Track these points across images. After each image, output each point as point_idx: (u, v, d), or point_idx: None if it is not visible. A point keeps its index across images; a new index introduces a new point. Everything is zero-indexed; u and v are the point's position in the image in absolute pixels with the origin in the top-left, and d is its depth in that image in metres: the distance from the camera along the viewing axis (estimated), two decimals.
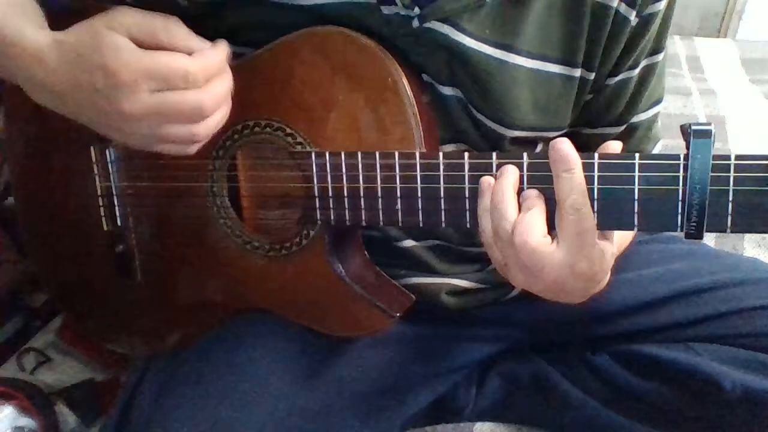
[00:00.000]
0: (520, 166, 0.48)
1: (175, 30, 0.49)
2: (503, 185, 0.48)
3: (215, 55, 0.50)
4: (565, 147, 0.46)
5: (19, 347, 0.89)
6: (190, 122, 0.50)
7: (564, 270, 0.47)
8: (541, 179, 0.48)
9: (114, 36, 0.47)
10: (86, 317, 0.75)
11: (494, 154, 0.49)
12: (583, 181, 0.46)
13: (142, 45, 0.48)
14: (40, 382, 0.83)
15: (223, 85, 0.51)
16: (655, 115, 0.66)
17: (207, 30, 0.59)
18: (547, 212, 0.48)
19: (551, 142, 0.47)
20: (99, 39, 0.47)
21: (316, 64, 0.54)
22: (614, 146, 0.49)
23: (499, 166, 0.49)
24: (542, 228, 0.47)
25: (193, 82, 0.48)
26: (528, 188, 0.48)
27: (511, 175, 0.48)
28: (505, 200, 0.47)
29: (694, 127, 0.44)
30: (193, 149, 0.52)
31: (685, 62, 1.48)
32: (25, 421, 0.75)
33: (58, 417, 0.79)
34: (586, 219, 0.46)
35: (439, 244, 0.64)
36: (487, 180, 0.49)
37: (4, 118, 0.70)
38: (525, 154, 0.48)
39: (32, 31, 0.50)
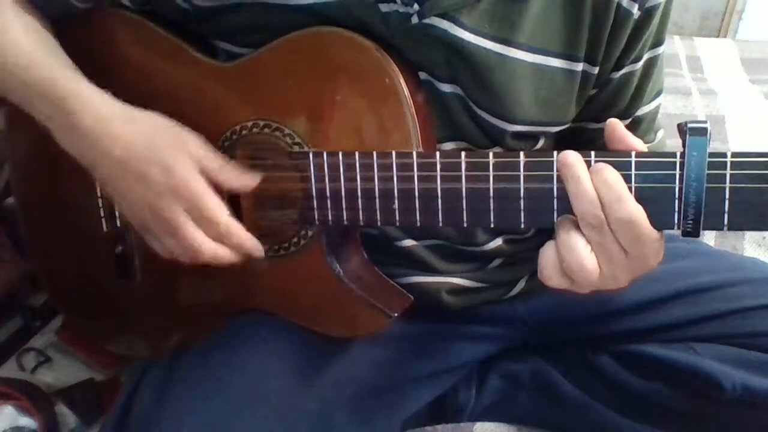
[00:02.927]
0: (516, 166, 0.48)
1: (227, 176, 0.55)
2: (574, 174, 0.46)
3: (247, 236, 0.55)
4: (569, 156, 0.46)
5: (19, 347, 0.89)
6: (183, 252, 0.54)
7: (626, 274, 0.48)
8: (540, 179, 0.48)
9: (185, 152, 0.53)
10: (86, 318, 0.75)
11: (491, 154, 0.49)
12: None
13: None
14: (40, 382, 0.83)
15: (226, 256, 0.55)
16: (658, 107, 0.66)
17: (207, 31, 0.60)
18: (541, 209, 0.48)
19: (560, 157, 0.47)
20: (179, 144, 0.53)
21: (313, 64, 0.54)
22: (620, 126, 0.48)
23: (496, 165, 0.49)
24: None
25: (214, 231, 0.53)
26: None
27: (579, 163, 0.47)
28: (584, 183, 0.46)
29: (690, 125, 0.44)
30: (168, 257, 0.56)
31: (685, 62, 1.47)
32: (25, 421, 0.76)
33: (58, 417, 0.79)
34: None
35: (439, 243, 0.64)
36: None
37: (6, 119, 0.70)
38: (522, 153, 0.48)
39: (90, 90, 0.55)
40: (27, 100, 0.56)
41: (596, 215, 0.45)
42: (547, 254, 0.48)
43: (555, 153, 0.48)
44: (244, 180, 0.55)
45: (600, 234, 0.46)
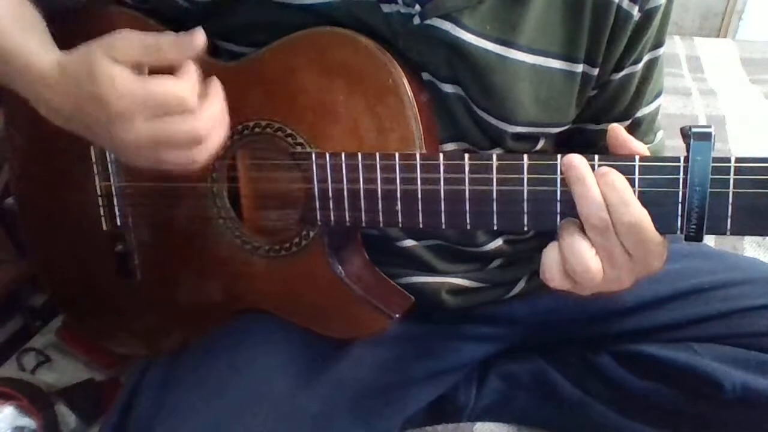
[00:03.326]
0: (519, 168, 0.48)
1: (168, 48, 0.48)
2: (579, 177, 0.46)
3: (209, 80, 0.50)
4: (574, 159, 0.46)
5: (19, 347, 0.89)
6: (187, 148, 0.50)
7: (630, 276, 0.48)
8: (543, 181, 0.48)
9: (109, 66, 0.47)
10: (86, 317, 0.75)
11: (494, 155, 0.49)
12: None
13: (140, 66, 0.48)
14: (40, 382, 0.83)
15: (216, 106, 0.50)
16: (658, 108, 0.66)
17: (208, 30, 0.60)
18: (544, 212, 0.48)
19: (565, 160, 0.47)
20: (95, 68, 0.47)
21: (316, 64, 0.54)
22: (621, 131, 0.48)
23: (499, 167, 0.49)
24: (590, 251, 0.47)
25: (187, 107, 0.48)
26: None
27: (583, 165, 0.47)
28: (589, 186, 0.46)
29: (694, 130, 0.44)
30: (196, 167, 0.52)
31: (685, 62, 1.48)
32: (25, 421, 0.75)
33: (58, 417, 0.79)
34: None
35: (439, 243, 0.64)
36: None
37: (4, 118, 0.70)
38: (525, 156, 0.48)
39: (37, 49, 0.51)
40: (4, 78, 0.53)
41: (602, 218, 0.45)
42: (550, 256, 0.48)
43: (559, 156, 0.48)
44: (184, 42, 0.48)
45: (604, 237, 0.46)
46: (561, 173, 0.48)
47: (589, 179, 0.46)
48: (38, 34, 0.53)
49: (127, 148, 0.50)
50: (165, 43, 0.48)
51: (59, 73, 0.49)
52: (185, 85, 0.48)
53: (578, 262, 0.46)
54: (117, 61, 0.47)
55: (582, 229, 0.47)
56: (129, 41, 0.48)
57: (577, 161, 0.46)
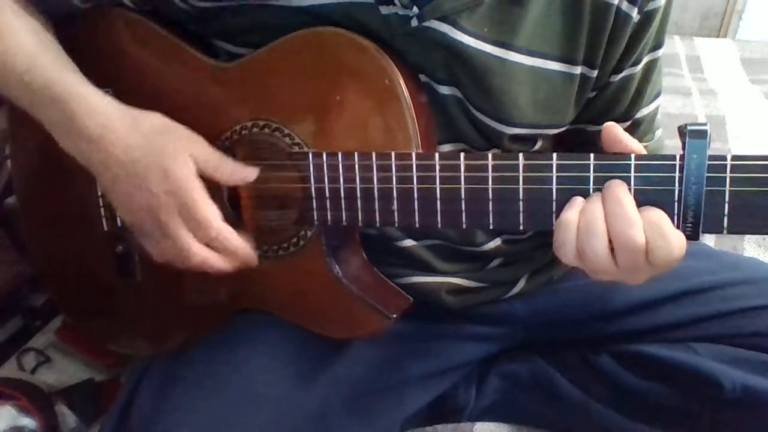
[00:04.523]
0: (515, 168, 0.48)
1: (225, 171, 0.55)
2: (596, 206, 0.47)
3: (240, 244, 0.55)
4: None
5: (19, 347, 0.89)
6: (176, 255, 0.55)
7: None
8: (537, 180, 0.48)
9: (188, 156, 0.53)
10: (87, 317, 0.75)
11: (490, 155, 0.49)
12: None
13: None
14: (40, 382, 0.83)
15: (217, 263, 0.55)
16: (657, 108, 0.66)
17: (207, 31, 0.60)
18: (540, 212, 0.48)
19: (606, 184, 0.47)
20: (180, 147, 0.53)
21: (313, 64, 0.54)
22: (617, 129, 0.49)
23: (494, 167, 0.49)
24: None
25: (206, 235, 0.54)
26: (593, 190, 0.47)
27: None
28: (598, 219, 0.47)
29: (690, 128, 0.44)
30: (166, 264, 0.56)
31: (685, 62, 1.47)
32: (25, 421, 0.76)
33: (58, 417, 0.79)
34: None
35: (438, 243, 0.64)
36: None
37: (8, 118, 0.70)
38: (521, 155, 0.48)
39: (92, 90, 0.55)
40: (29, 103, 0.56)
41: (631, 238, 0.46)
42: (569, 233, 0.47)
43: (554, 155, 0.48)
44: (243, 173, 0.56)
45: (627, 252, 0.46)
46: (556, 172, 0.48)
47: (627, 200, 0.46)
48: (76, 69, 0.57)
49: (137, 208, 0.54)
50: (222, 169, 0.55)
51: (130, 126, 0.54)
52: (222, 227, 0.54)
53: (591, 249, 0.46)
54: (194, 157, 0.53)
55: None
56: (204, 147, 0.55)
57: (615, 183, 0.47)
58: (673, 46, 1.53)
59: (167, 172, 0.52)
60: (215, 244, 0.54)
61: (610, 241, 0.46)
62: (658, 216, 0.46)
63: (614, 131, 0.48)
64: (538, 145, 0.62)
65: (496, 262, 0.68)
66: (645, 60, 0.60)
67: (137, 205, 0.54)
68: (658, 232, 0.46)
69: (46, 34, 0.59)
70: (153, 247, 0.56)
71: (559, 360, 0.74)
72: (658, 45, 0.60)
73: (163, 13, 0.60)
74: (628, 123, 0.63)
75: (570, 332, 0.72)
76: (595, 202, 0.47)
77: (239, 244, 0.55)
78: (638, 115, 0.64)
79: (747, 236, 0.95)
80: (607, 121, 0.62)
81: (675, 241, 0.46)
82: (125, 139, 0.53)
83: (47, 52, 0.57)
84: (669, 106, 1.22)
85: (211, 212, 0.53)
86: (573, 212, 0.47)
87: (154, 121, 0.55)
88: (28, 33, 0.57)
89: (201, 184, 0.53)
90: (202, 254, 0.54)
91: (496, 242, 0.66)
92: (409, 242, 0.63)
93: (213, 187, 0.59)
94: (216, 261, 0.55)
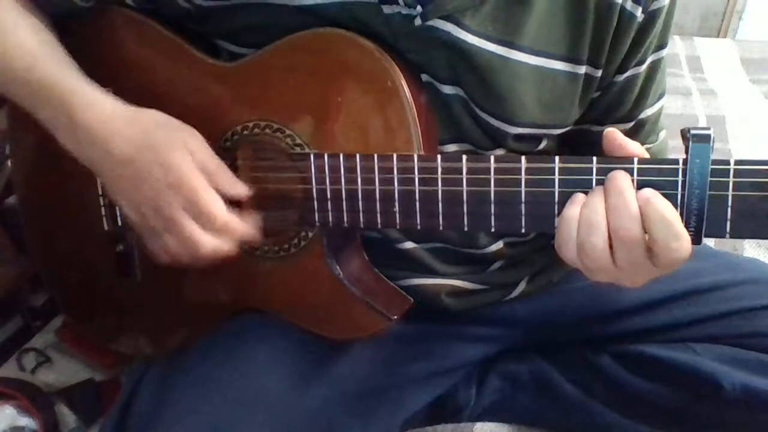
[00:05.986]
0: (517, 171, 0.48)
1: (222, 179, 0.54)
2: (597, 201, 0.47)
3: (243, 226, 0.55)
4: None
5: (19, 347, 0.89)
6: (182, 249, 0.54)
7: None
8: (539, 183, 0.48)
9: (186, 150, 0.53)
10: (87, 316, 0.75)
11: (492, 158, 0.49)
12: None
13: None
14: (40, 382, 0.83)
15: (224, 248, 0.54)
16: (661, 109, 0.66)
17: (209, 31, 0.60)
18: (542, 214, 0.48)
19: (609, 175, 0.47)
20: (178, 141, 0.53)
21: (315, 65, 0.54)
22: (618, 135, 0.48)
23: (497, 169, 0.49)
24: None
25: (212, 225, 0.53)
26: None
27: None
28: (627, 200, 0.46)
29: (693, 132, 0.44)
30: (172, 262, 0.56)
31: (685, 62, 1.47)
32: (25, 421, 0.76)
33: (58, 417, 0.79)
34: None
35: (439, 246, 0.64)
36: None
37: (8, 118, 0.70)
38: (523, 158, 0.48)
39: (91, 88, 0.55)
40: (30, 101, 0.56)
41: (630, 232, 0.45)
42: (571, 229, 0.47)
43: (557, 158, 0.48)
44: (238, 188, 0.55)
45: (628, 250, 0.46)
46: (558, 175, 0.48)
47: (628, 193, 0.46)
48: (77, 67, 0.57)
49: (141, 204, 0.54)
50: (220, 175, 0.54)
51: (130, 121, 0.54)
52: (227, 215, 0.53)
53: (590, 246, 0.46)
54: (192, 153, 0.53)
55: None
56: (202, 144, 0.54)
57: (620, 175, 0.46)
58: (674, 46, 1.53)
59: (169, 166, 0.52)
60: (221, 232, 0.54)
61: (609, 237, 0.46)
62: (672, 213, 0.45)
63: (616, 136, 0.48)
64: (543, 145, 0.62)
65: (497, 265, 0.68)
66: (649, 60, 0.60)
67: (141, 202, 0.54)
68: (672, 232, 0.45)
69: (47, 33, 0.59)
70: (158, 243, 0.56)
71: (559, 360, 0.74)
72: (662, 45, 0.60)
73: (165, 12, 0.60)
74: (632, 123, 0.63)
75: (570, 333, 0.72)
76: (597, 196, 0.47)
77: (244, 228, 0.55)
78: (642, 115, 0.63)
79: None
80: (612, 121, 0.62)
81: (686, 242, 0.45)
82: (125, 134, 0.53)
83: (48, 50, 0.57)
84: (669, 107, 1.22)
85: (215, 202, 0.53)
86: (575, 208, 0.47)
87: (154, 116, 0.55)
88: (30, 32, 0.57)
89: (202, 177, 0.53)
90: (212, 244, 0.54)
91: (498, 245, 0.66)
92: (409, 244, 0.63)
93: None
94: (224, 247, 0.54)
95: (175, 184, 0.52)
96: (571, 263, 0.49)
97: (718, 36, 2.12)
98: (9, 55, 0.55)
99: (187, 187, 0.52)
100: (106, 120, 0.54)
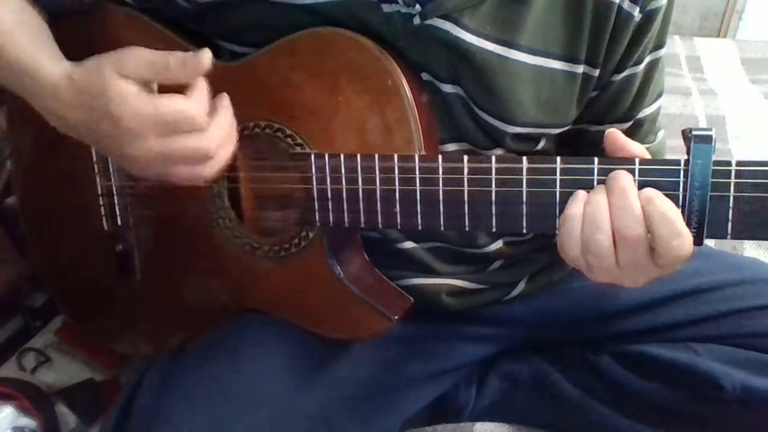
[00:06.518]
0: (519, 171, 0.48)
1: (175, 67, 0.49)
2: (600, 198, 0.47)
3: (224, 100, 0.52)
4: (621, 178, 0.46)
5: (19, 347, 0.89)
6: (196, 164, 0.51)
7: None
8: (540, 183, 0.48)
9: (121, 84, 0.48)
10: (87, 316, 0.75)
11: (493, 158, 0.49)
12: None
13: (149, 84, 0.50)
14: (40, 382, 0.83)
15: (224, 123, 0.52)
16: (659, 108, 0.66)
17: (209, 30, 0.60)
18: (543, 214, 0.47)
19: (611, 175, 0.47)
20: (107, 85, 0.48)
21: (315, 65, 0.54)
22: (619, 135, 0.48)
23: (498, 170, 0.49)
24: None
25: (197, 126, 0.49)
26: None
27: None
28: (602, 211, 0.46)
29: (695, 132, 0.44)
30: (204, 182, 0.54)
31: (685, 62, 1.47)
32: (25, 421, 0.75)
33: (58, 417, 0.79)
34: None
35: (439, 245, 0.64)
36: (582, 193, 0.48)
37: (7, 118, 0.70)
38: (524, 159, 0.48)
39: (47, 61, 0.52)
40: (5, 80, 0.54)
41: (634, 231, 0.45)
42: (574, 226, 0.47)
43: (558, 158, 0.48)
44: (195, 59, 0.48)
45: (632, 249, 0.46)
46: (560, 176, 0.48)
47: (631, 192, 0.46)
48: (46, 44, 0.54)
49: (137, 162, 0.51)
50: (173, 63, 0.48)
51: (69, 86, 0.50)
52: (195, 104, 0.49)
53: (596, 244, 0.46)
54: (127, 78, 0.48)
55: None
56: (138, 58, 0.49)
57: (622, 175, 0.46)
58: (673, 46, 1.53)
59: (112, 116, 0.48)
60: (209, 122, 0.50)
61: (613, 236, 0.46)
62: (673, 212, 0.45)
63: (617, 137, 0.48)
64: (541, 144, 0.62)
65: (496, 264, 0.68)
66: (647, 60, 0.60)
67: (135, 158, 0.51)
68: (673, 230, 0.45)
69: (30, 14, 0.56)
70: (180, 176, 0.52)
71: (559, 360, 0.74)
72: (659, 45, 0.60)
73: (163, 10, 0.60)
74: (630, 123, 0.63)
75: (570, 333, 0.72)
76: (599, 194, 0.47)
77: (227, 104, 0.52)
78: (640, 115, 0.64)
79: None
80: (609, 120, 0.62)
81: (688, 240, 0.45)
82: (75, 106, 0.50)
83: (25, 30, 0.54)
84: (669, 107, 1.22)
85: (184, 105, 0.49)
86: (578, 205, 0.47)
87: (84, 70, 0.50)
88: (11, 11, 0.55)
89: (147, 97, 0.48)
90: (216, 140, 0.50)
91: (498, 244, 0.66)
92: (409, 244, 0.63)
93: (211, 187, 0.60)
94: (227, 127, 0.51)
95: (129, 126, 0.48)
96: (573, 263, 0.49)
97: (718, 36, 2.12)
98: None
99: (143, 119, 0.48)
100: (57, 97, 0.51)
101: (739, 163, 0.44)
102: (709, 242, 0.92)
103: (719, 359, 0.65)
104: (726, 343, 0.66)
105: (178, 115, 0.49)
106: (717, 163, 0.44)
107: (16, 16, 0.55)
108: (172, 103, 0.49)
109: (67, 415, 0.79)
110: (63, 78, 0.51)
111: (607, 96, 0.61)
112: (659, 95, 0.65)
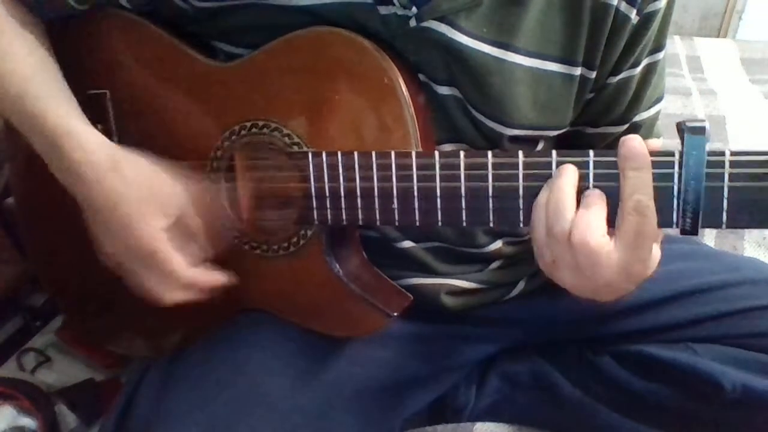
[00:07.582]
0: (515, 165, 0.48)
1: (203, 242, 0.55)
2: (562, 183, 0.46)
3: (210, 278, 0.57)
4: (636, 144, 0.45)
5: (19, 347, 0.89)
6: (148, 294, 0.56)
7: (619, 271, 0.46)
8: (537, 177, 0.48)
9: (155, 212, 0.54)
10: (86, 317, 0.75)
11: (489, 153, 0.49)
12: (650, 182, 0.45)
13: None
14: (40, 382, 0.83)
15: (184, 296, 0.56)
16: (657, 113, 0.66)
17: (206, 31, 0.60)
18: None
19: (622, 138, 0.46)
20: (150, 195, 0.54)
21: (312, 64, 0.54)
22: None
23: (494, 165, 0.49)
24: (603, 227, 0.46)
25: (177, 284, 0.55)
26: (592, 186, 0.47)
27: (571, 174, 0.47)
28: (565, 198, 0.46)
29: (688, 124, 0.44)
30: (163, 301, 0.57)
31: (685, 62, 1.48)
32: (25, 421, 0.76)
33: (58, 417, 0.79)
34: (649, 221, 0.45)
35: (438, 245, 0.64)
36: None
37: (6, 120, 0.70)
38: (520, 152, 0.48)
39: (85, 128, 0.54)
40: (21, 127, 0.56)
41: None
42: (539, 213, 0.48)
43: (554, 152, 0.48)
44: (213, 276, 0.56)
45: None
46: (555, 169, 0.47)
47: (568, 190, 0.46)
48: (73, 104, 0.56)
49: (110, 246, 0.56)
50: (195, 228, 0.55)
51: (111, 169, 0.54)
52: (193, 272, 0.55)
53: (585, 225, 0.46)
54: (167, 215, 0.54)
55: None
56: (185, 201, 0.55)
57: (565, 171, 0.47)
58: (673, 46, 1.53)
59: (132, 235, 0.53)
60: (188, 288, 0.56)
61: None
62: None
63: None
64: (539, 146, 0.62)
65: (496, 264, 0.68)
66: (644, 62, 0.60)
67: (112, 245, 0.55)
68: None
69: (44, 52, 0.58)
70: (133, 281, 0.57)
71: (559, 360, 0.74)
72: (658, 48, 0.60)
73: (161, 14, 0.60)
74: (626, 126, 0.63)
75: (570, 333, 0.72)
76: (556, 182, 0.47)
77: (210, 278, 0.56)
78: (637, 118, 0.63)
79: (747, 236, 0.95)
80: (605, 123, 0.62)
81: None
82: (105, 183, 0.53)
83: (43, 75, 0.56)
84: (669, 107, 1.22)
85: (178, 266, 0.54)
86: (543, 194, 0.47)
87: (138, 167, 0.54)
88: (27, 53, 0.56)
89: (167, 240, 0.54)
90: (173, 298, 0.56)
91: (497, 244, 0.66)
92: (408, 243, 0.63)
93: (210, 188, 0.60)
94: (189, 297, 0.56)
95: (134, 246, 0.54)
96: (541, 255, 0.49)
97: (718, 36, 2.12)
98: (3, 80, 0.55)
99: (150, 255, 0.54)
100: (88, 164, 0.53)
101: (733, 153, 0.44)
102: (710, 242, 0.92)
103: (719, 359, 0.65)
104: (726, 343, 0.66)
105: (171, 270, 0.54)
106: (711, 153, 0.44)
107: (30, 59, 0.56)
108: (177, 264, 0.54)
109: (67, 415, 0.79)
110: (107, 155, 0.54)
111: (603, 98, 0.61)
112: (658, 100, 0.65)
